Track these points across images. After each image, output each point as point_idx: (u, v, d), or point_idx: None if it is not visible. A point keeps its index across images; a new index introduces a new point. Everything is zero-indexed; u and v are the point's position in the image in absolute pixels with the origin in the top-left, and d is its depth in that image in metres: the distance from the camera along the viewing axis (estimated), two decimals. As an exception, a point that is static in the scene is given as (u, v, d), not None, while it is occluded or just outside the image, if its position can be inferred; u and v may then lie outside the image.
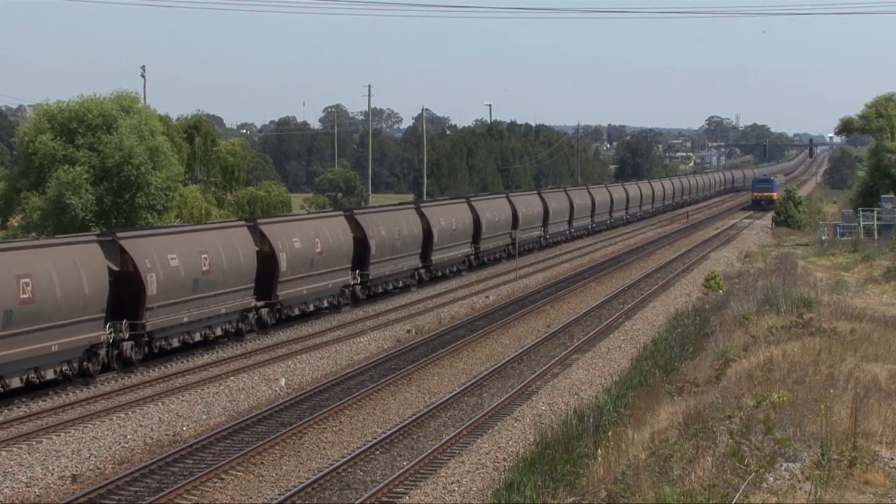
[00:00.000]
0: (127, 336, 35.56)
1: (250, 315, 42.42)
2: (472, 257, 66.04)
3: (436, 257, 59.51)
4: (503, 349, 40.67)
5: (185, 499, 23.33)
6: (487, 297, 55.03)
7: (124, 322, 35.40)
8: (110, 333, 34.85)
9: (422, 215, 58.53)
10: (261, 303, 43.12)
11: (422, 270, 58.78)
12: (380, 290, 53.55)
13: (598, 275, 64.17)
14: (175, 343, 38.03)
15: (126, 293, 35.52)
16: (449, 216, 62.21)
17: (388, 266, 53.58)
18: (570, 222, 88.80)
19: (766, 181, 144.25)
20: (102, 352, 34.52)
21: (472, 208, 66.05)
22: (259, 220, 45.19)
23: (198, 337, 39.35)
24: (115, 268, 35.34)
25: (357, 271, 50.62)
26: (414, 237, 56.55)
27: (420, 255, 58.13)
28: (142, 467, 25.06)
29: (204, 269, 38.81)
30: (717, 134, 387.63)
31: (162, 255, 36.90)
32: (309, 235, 46.35)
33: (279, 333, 43.86)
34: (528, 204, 77.41)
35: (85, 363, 33.80)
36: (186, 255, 38.05)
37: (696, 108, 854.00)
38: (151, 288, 36.07)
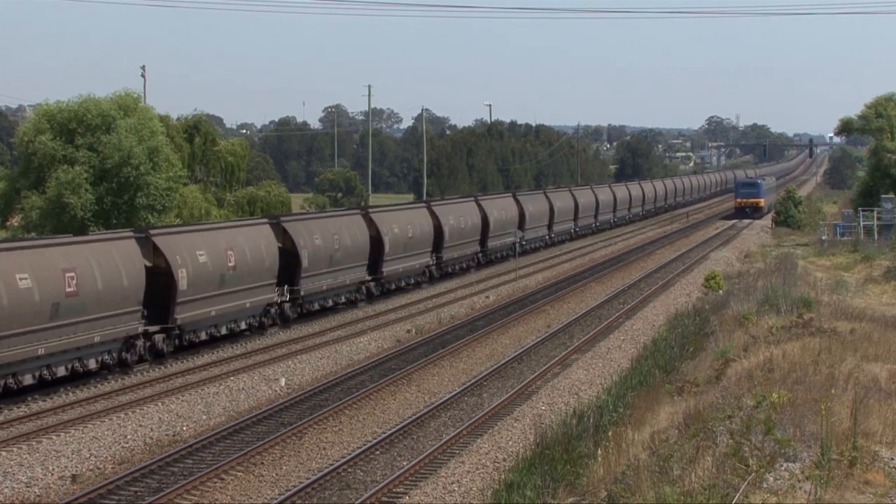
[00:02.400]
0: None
1: (273, 310, 43.77)
2: (479, 255, 67.16)
3: (446, 255, 60.55)
4: (503, 349, 40.66)
5: (185, 499, 23.33)
6: (487, 297, 55.03)
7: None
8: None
9: (432, 213, 59.94)
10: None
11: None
12: (393, 287, 54.56)
13: (598, 275, 64.16)
14: (203, 336, 39.77)
15: (158, 288, 36.76)
16: (458, 214, 63.12)
17: (400, 263, 54.59)
18: (574, 220, 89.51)
19: (751, 185, 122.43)
20: (139, 343, 36.20)
21: (479, 207, 67.04)
22: (371, 210, 53.51)
23: (224, 331, 40.74)
24: (148, 263, 36.80)
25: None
26: (425, 235, 57.71)
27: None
28: (142, 467, 25.06)
29: (230, 264, 40.03)
30: (717, 134, 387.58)
31: (192, 252, 38.46)
32: (403, 223, 53.80)
33: (279, 334, 43.86)
34: (534, 203, 79.01)
35: (123, 354, 35.51)
36: (214, 252, 39.61)
37: (696, 108, 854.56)
38: (182, 283, 37.60)
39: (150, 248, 36.92)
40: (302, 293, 45.37)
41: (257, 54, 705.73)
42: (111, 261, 34.56)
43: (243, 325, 41.92)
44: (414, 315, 48.76)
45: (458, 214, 63.44)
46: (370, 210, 54.74)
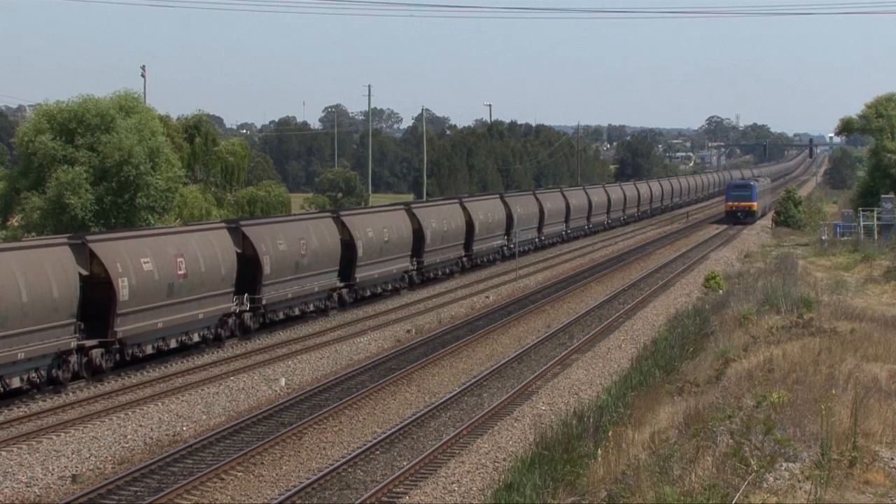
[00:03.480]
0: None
1: (231, 320, 41.55)
2: (463, 259, 65.61)
3: (427, 260, 59.21)
4: (503, 349, 40.67)
5: (185, 499, 23.33)
6: (487, 296, 55.03)
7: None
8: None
9: (412, 216, 58.12)
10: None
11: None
12: (368, 293, 52.86)
13: (598, 275, 64.17)
14: (149, 350, 37.57)
15: (97, 299, 34.83)
16: (440, 217, 61.52)
17: (376, 269, 52.91)
18: (565, 223, 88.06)
19: (744, 187, 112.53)
20: (73, 359, 34.59)
21: (464, 209, 65.14)
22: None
23: (174, 343, 38.36)
24: (84, 272, 34.99)
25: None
26: (404, 239, 56.00)
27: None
28: (142, 467, 25.07)
29: (180, 272, 37.80)
30: (717, 134, 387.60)
31: (135, 259, 36.12)
32: (379, 226, 52.24)
33: (278, 333, 43.83)
34: (523, 204, 77.20)
35: (55, 371, 33.79)
36: (161, 259, 37.32)
37: (696, 108, 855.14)
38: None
39: (87, 256, 34.90)
40: (264, 302, 43.11)
41: (257, 54, 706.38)
42: (40, 270, 32.44)
43: (196, 338, 39.43)
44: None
45: (441, 217, 61.50)
46: (341, 213, 52.28)
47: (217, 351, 40.08)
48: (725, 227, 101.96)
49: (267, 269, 43.08)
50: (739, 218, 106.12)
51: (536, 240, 79.20)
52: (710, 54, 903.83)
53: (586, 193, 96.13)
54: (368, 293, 52.81)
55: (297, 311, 46.26)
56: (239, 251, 42.05)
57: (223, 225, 43.14)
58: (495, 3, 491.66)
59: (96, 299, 34.52)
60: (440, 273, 61.75)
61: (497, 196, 75.10)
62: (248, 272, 42.32)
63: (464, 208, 65.32)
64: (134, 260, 35.93)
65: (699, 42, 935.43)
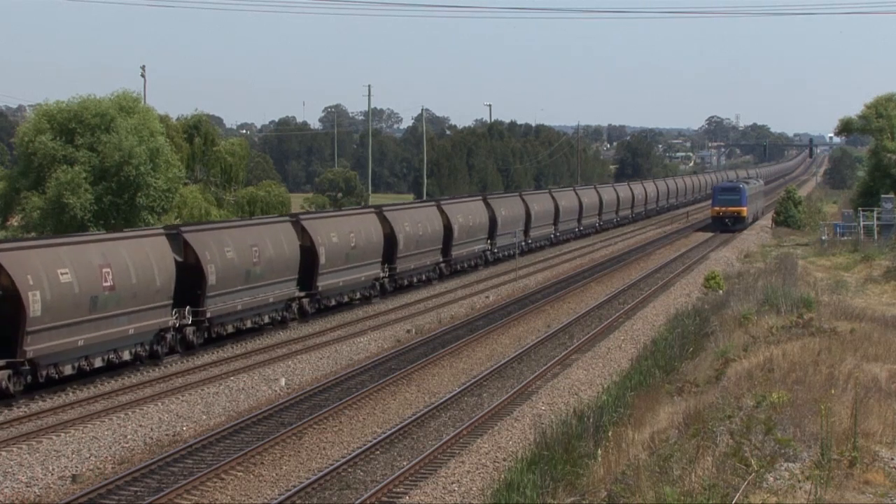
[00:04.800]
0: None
1: (169, 335, 38.30)
2: (441, 265, 62.65)
3: (400, 266, 56.15)
4: (503, 349, 40.66)
5: (185, 499, 23.33)
6: (487, 297, 55.03)
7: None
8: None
9: (384, 220, 55.14)
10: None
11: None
12: (332, 303, 49.67)
13: (598, 275, 64.17)
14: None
15: (4, 316, 32.22)
16: (415, 221, 58.45)
17: (341, 277, 49.87)
18: (554, 225, 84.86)
19: (732, 189, 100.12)
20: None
21: (442, 212, 62.16)
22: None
23: (99, 363, 35.41)
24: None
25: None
26: (374, 244, 52.95)
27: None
28: (142, 467, 25.06)
29: (105, 284, 34.67)
30: (717, 134, 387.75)
31: (50, 270, 32.84)
32: (345, 231, 50.37)
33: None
34: (508, 207, 74.05)
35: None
36: (82, 270, 34.00)
37: (696, 108, 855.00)
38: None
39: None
40: (209, 315, 39.92)
41: (257, 54, 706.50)
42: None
43: (127, 356, 36.20)
44: (414, 315, 48.72)
45: (416, 221, 58.26)
46: (302, 217, 49.08)
47: (154, 369, 36.81)
48: (711, 234, 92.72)
49: (212, 280, 39.84)
50: (727, 225, 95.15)
51: (522, 243, 75.76)
52: (710, 54, 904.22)
53: (577, 195, 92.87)
54: (333, 302, 49.68)
55: (248, 324, 43.09)
56: (180, 259, 38.94)
57: (161, 231, 39.82)
58: (495, 3, 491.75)
59: (4, 316, 31.58)
60: (415, 280, 58.76)
61: (479, 198, 72.03)
62: (191, 283, 39.25)
63: (441, 211, 62.27)
64: (49, 271, 32.56)
65: (699, 42, 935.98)
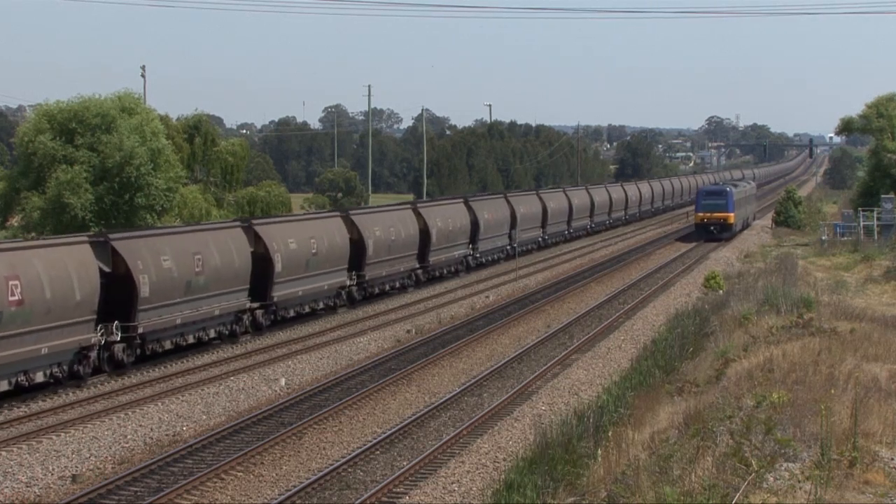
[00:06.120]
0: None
1: (93, 354, 34.61)
2: (418, 272, 59.33)
3: (370, 273, 52.47)
4: (503, 349, 40.67)
5: (185, 499, 23.33)
6: (487, 296, 55.02)
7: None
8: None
9: (351, 224, 51.23)
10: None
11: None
12: (291, 313, 46.10)
13: (598, 275, 64.17)
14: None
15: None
16: (387, 225, 54.84)
17: (300, 286, 46.45)
18: (542, 228, 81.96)
19: (717, 193, 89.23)
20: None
21: (418, 216, 59.16)
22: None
23: (5, 386, 31.90)
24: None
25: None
26: (339, 250, 49.32)
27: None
28: (142, 467, 25.06)
29: (12, 298, 31.21)
30: (717, 134, 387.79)
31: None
32: (305, 236, 46.19)
33: (278, 333, 43.76)
34: (491, 209, 71.04)
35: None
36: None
37: (696, 108, 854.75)
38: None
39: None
40: (141, 330, 36.25)
41: (257, 54, 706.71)
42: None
43: (41, 377, 32.55)
44: (414, 315, 48.69)
45: (388, 225, 54.30)
46: (255, 222, 44.87)
47: (75, 391, 33.70)
48: (694, 244, 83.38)
49: (144, 292, 36.20)
50: (713, 233, 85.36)
51: (508, 247, 72.08)
52: (710, 54, 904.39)
53: (566, 196, 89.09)
54: (292, 313, 45.95)
55: (190, 339, 39.48)
56: (107, 270, 35.46)
57: (84, 238, 35.94)
58: (495, 3, 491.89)
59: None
60: (388, 288, 55.08)
61: (460, 200, 68.05)
62: (122, 295, 35.72)
63: (418, 214, 58.89)
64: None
65: (699, 42, 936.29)
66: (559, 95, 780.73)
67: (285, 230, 45.91)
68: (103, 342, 34.99)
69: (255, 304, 43.22)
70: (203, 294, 39.48)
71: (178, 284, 38.08)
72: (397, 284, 56.30)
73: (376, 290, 53.55)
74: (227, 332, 41.69)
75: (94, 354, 34.61)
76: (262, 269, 43.23)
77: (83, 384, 34.04)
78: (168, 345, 38.30)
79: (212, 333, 40.77)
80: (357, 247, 50.93)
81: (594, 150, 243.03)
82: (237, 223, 44.54)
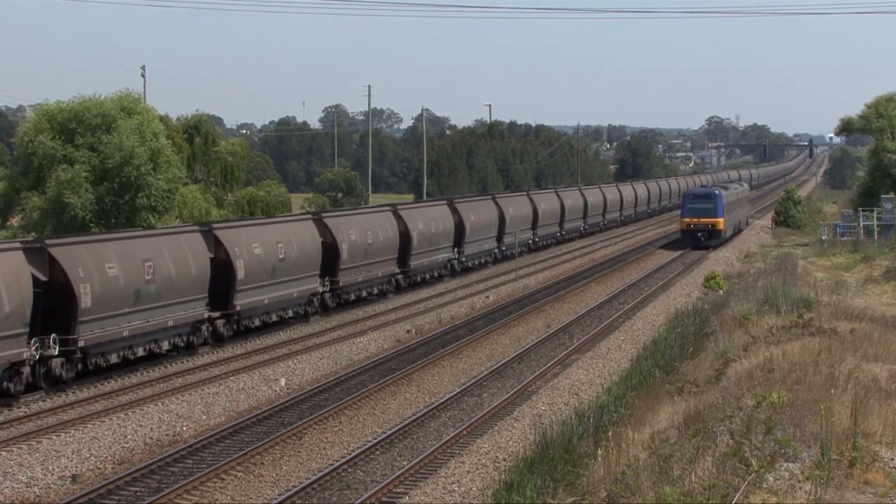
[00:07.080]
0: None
1: (26, 370, 32.02)
2: (398, 277, 56.74)
3: (344, 279, 50.18)
4: (503, 349, 40.67)
5: (185, 499, 23.33)
6: (487, 297, 55.01)
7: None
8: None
9: (324, 228, 49.36)
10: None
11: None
12: (256, 322, 43.99)
13: (597, 275, 64.17)
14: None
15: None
16: (363, 229, 52.29)
17: (267, 293, 43.97)
18: (533, 230, 79.58)
19: (705, 197, 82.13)
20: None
21: (398, 218, 56.32)
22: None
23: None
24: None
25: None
26: (310, 255, 46.91)
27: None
28: (142, 467, 25.06)
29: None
30: (717, 134, 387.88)
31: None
32: (271, 241, 43.89)
33: (279, 333, 43.73)
34: (478, 211, 67.91)
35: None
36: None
37: (696, 108, 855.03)
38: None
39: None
40: (82, 343, 33.52)
41: (257, 54, 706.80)
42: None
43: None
44: (414, 315, 48.67)
45: (365, 228, 51.92)
46: (215, 226, 42.18)
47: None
48: (680, 252, 77.51)
49: (86, 302, 33.68)
50: (700, 240, 79.06)
51: (496, 251, 70.33)
52: (710, 54, 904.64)
53: (559, 197, 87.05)
54: (257, 322, 43.53)
55: (141, 351, 36.95)
56: (44, 278, 33.04)
57: (17, 245, 33.10)
58: (495, 3, 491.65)
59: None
60: (364, 294, 52.45)
61: (444, 202, 65.15)
62: (61, 306, 33.33)
63: (398, 217, 56.19)
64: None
65: (699, 42, 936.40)
66: (559, 95, 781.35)
67: (249, 234, 43.26)
68: (38, 357, 32.31)
69: (216, 314, 40.65)
70: (154, 304, 36.89)
71: (125, 294, 35.49)
72: (375, 290, 53.64)
73: (352, 297, 51.09)
74: (182, 344, 39.02)
75: (26, 371, 31.89)
76: (223, 277, 40.62)
77: (14, 402, 31.37)
78: (114, 358, 35.59)
79: (166, 346, 38.13)
80: (330, 251, 48.62)
81: (594, 151, 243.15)
82: (195, 228, 41.93)
